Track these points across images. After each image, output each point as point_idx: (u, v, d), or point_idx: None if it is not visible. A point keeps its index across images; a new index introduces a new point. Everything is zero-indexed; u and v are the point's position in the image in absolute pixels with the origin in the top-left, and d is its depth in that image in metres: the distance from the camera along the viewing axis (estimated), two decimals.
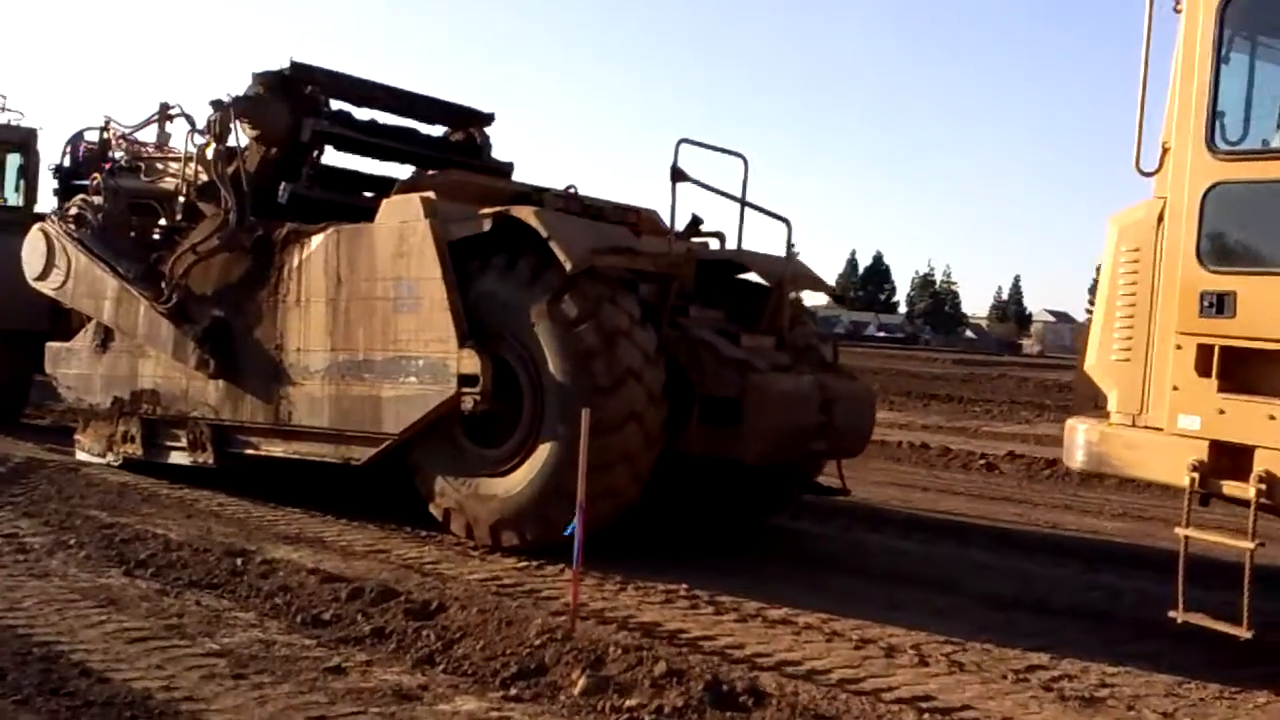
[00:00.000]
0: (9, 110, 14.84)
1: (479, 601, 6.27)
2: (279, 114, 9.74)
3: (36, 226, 11.11)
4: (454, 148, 11.09)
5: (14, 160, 14.70)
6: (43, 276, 11.00)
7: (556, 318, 7.69)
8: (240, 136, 9.73)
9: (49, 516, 8.23)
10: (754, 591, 6.99)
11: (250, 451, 9.48)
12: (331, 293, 8.74)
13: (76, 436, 11.10)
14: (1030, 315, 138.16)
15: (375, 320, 8.44)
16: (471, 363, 7.87)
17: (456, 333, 7.95)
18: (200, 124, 12.21)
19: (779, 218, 8.88)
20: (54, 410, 15.21)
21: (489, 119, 11.33)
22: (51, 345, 11.31)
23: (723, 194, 9.17)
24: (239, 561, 6.91)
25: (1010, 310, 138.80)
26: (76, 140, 14.39)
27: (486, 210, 8.10)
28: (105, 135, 13.87)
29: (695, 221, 9.96)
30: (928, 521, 10.25)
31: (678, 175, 8.96)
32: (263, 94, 9.71)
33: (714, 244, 9.74)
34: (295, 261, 9.02)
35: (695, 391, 8.03)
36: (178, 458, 10.02)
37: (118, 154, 13.92)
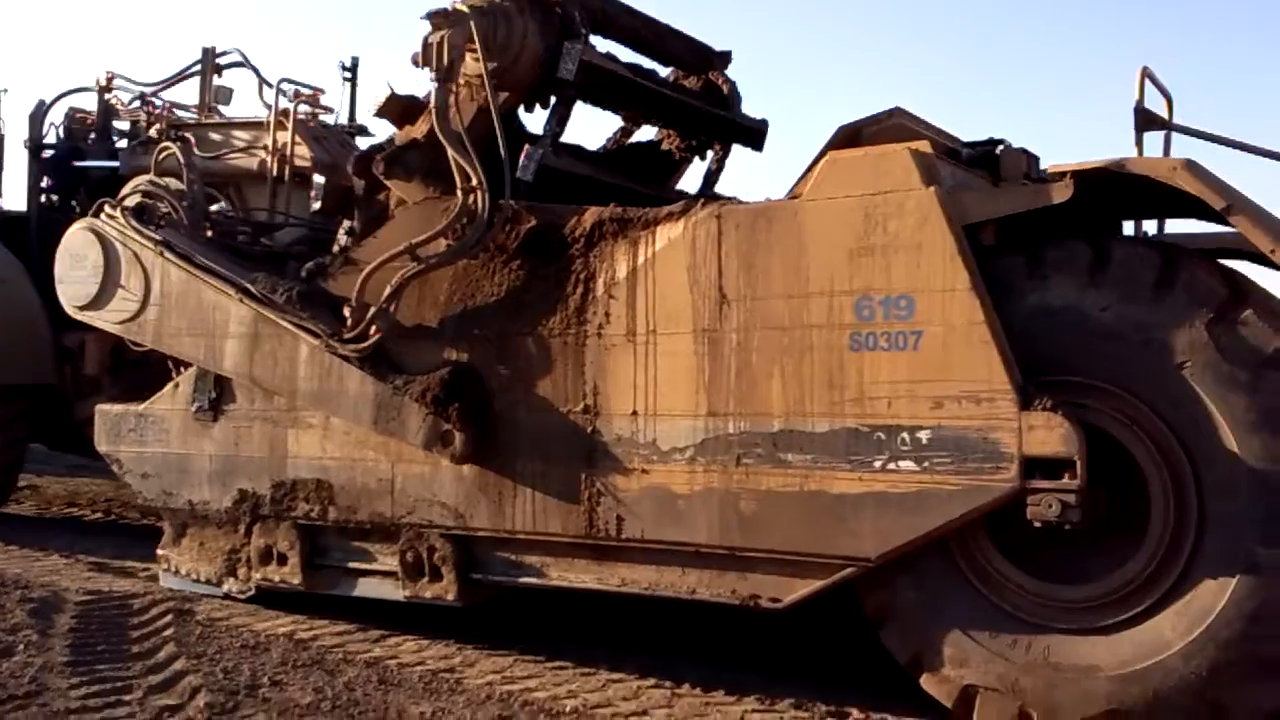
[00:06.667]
0: None
1: None
2: (530, 37, 6.12)
3: (81, 226, 7.08)
4: (697, 95, 7.61)
5: None
6: (95, 304, 7.00)
7: (1234, 353, 4.36)
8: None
9: None
10: None
11: (528, 580, 5.80)
12: (707, 320, 5.19)
13: (162, 552, 7.12)
14: None
15: (810, 363, 4.94)
16: (1053, 436, 4.46)
17: (1011, 384, 4.53)
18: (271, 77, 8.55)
19: None
20: (30, 489, 11.04)
21: (727, 59, 7.89)
22: (108, 409, 7.26)
23: (1235, 144, 6.00)
24: None
25: None
26: (44, 108, 10.29)
27: (1061, 166, 4.70)
28: (108, 98, 9.86)
29: None
30: None
31: (1147, 120, 5.84)
32: (507, 6, 6.07)
33: None
34: (622, 269, 5.43)
35: None
36: (373, 588, 6.26)
37: (123, 124, 9.97)
